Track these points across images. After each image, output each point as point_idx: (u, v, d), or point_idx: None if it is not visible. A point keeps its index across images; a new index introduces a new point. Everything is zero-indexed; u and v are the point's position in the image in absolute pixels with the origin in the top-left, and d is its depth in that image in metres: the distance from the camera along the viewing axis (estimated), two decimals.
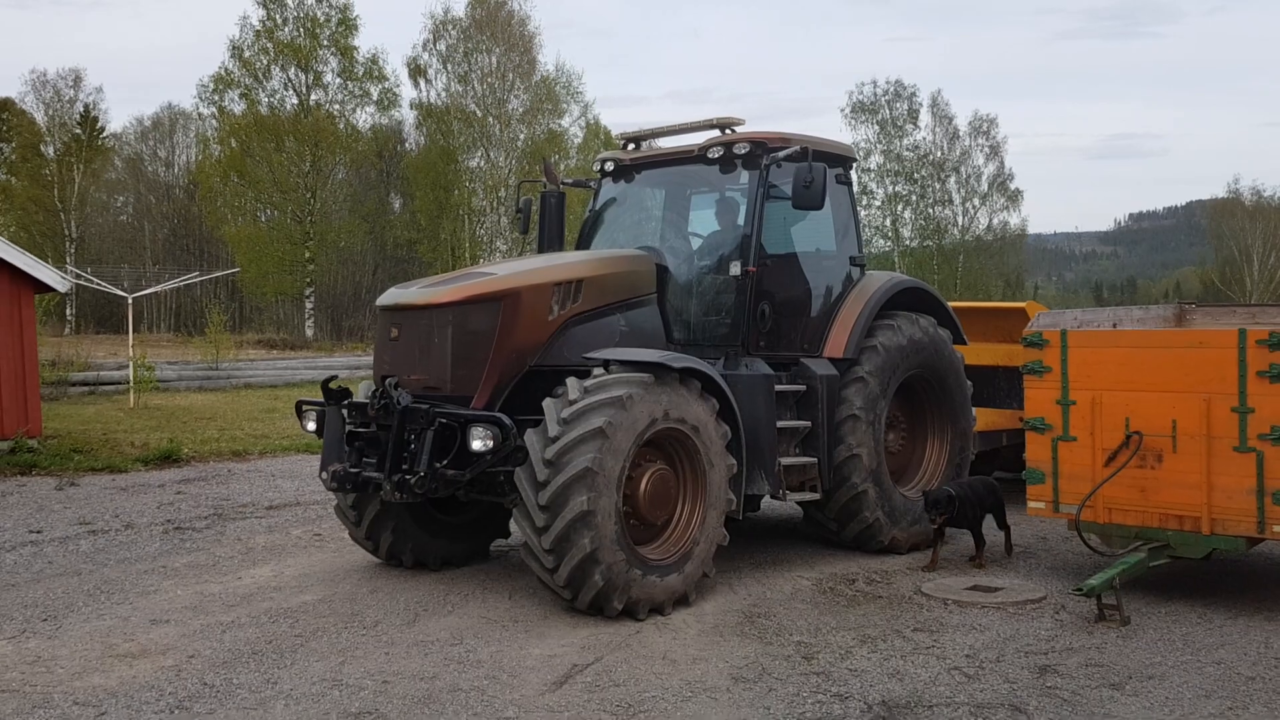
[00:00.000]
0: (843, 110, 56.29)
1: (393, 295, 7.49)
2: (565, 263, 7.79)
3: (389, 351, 7.29)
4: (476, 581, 7.71)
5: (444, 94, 43.00)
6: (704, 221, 8.78)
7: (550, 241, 9.18)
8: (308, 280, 42.94)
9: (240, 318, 49.39)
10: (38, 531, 9.21)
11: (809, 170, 7.68)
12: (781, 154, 8.12)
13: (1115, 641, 6.45)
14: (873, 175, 54.46)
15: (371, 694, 5.49)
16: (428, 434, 6.72)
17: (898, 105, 55.65)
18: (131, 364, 17.39)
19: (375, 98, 43.39)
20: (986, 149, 56.56)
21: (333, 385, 7.16)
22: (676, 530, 7.15)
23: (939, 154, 55.86)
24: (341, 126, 43.04)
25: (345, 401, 7.13)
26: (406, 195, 47.04)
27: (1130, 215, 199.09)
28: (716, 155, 8.27)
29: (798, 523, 9.69)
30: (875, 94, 55.32)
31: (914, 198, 55.75)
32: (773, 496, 7.87)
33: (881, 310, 8.68)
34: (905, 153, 55.33)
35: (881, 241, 54.43)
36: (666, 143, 9.25)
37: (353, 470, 7.00)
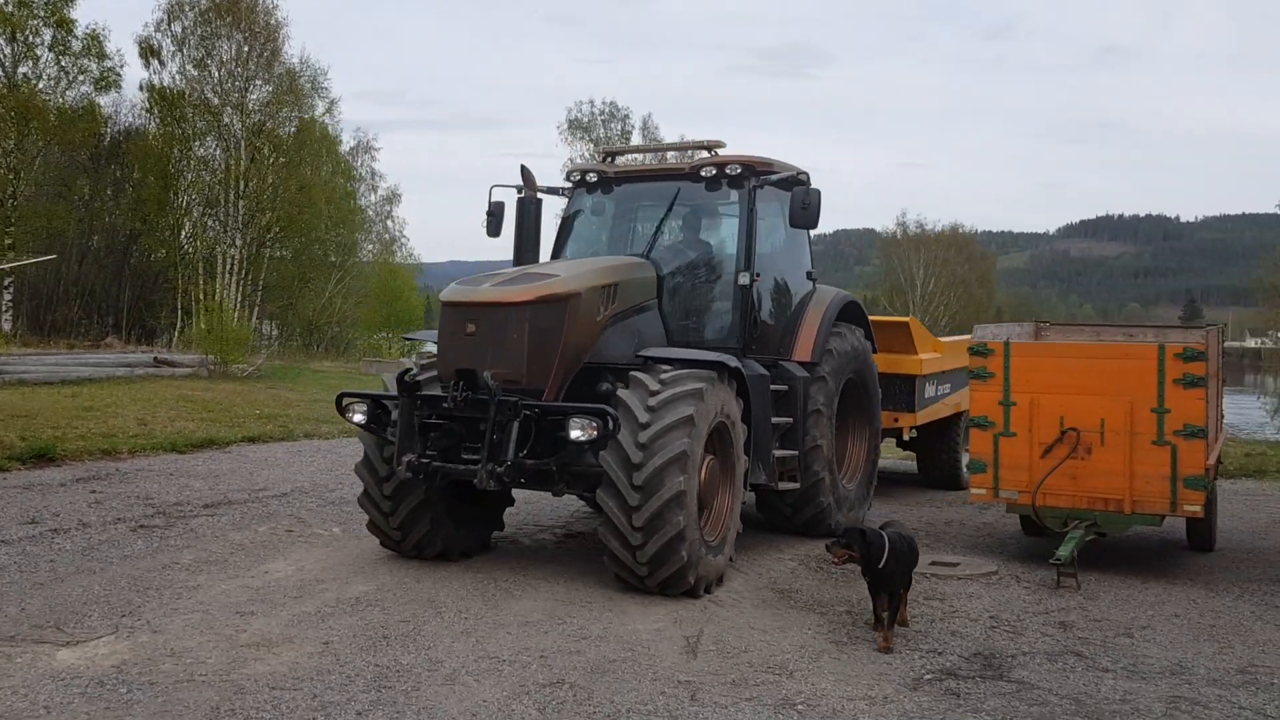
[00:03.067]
0: (559, 127, 57.78)
1: (463, 292, 7.61)
2: (606, 266, 8.24)
3: (463, 345, 7.44)
4: (509, 569, 7.93)
5: (178, 78, 40.58)
6: (689, 234, 9.40)
7: (527, 247, 9.49)
8: (7, 271, 39.10)
9: None
10: None
11: (806, 193, 8.57)
12: (774, 178, 8.94)
13: (1085, 604, 7.72)
14: None
15: (539, 667, 5.79)
16: (514, 425, 7.04)
17: (612, 124, 57.79)
18: None
19: (96, 75, 40.29)
20: None
21: (406, 379, 7.30)
22: (715, 515, 7.80)
23: None
24: (53, 104, 39.62)
25: (419, 394, 7.30)
26: (126, 182, 43.72)
27: None
28: (709, 174, 8.92)
29: None
30: (592, 113, 57.26)
31: None
32: (768, 485, 8.65)
33: None
34: None
35: None
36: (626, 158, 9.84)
37: (424, 460, 7.17)
